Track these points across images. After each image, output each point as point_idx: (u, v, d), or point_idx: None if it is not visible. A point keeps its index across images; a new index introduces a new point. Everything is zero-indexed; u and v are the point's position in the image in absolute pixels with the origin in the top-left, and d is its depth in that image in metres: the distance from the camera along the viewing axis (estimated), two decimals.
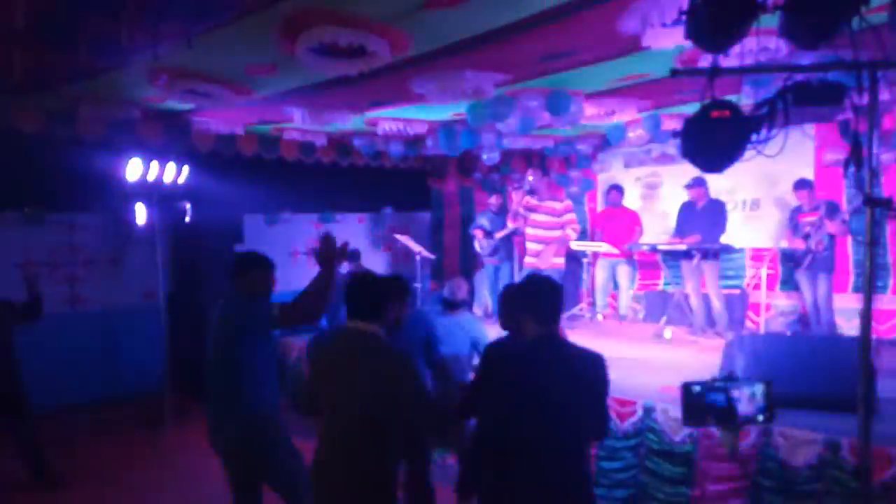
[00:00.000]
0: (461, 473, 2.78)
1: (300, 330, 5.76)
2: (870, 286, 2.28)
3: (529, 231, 6.22)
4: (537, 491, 2.27)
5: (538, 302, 2.45)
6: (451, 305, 4.23)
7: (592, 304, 7.78)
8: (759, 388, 2.30)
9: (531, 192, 6.09)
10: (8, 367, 4.42)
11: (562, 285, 2.88)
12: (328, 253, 2.97)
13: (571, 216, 6.31)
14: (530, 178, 6.11)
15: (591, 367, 2.37)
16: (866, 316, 2.29)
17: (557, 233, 6.23)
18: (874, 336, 2.42)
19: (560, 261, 6.28)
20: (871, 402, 2.36)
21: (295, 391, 6.27)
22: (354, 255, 6.29)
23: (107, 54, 3.63)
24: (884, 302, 6.37)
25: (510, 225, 6.40)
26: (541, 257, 6.23)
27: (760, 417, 2.30)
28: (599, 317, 7.51)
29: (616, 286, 7.63)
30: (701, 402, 2.25)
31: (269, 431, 3.09)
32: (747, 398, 2.28)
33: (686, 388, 2.27)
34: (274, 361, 3.29)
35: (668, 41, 3.17)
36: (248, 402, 3.05)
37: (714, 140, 2.09)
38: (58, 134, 5.05)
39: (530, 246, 6.29)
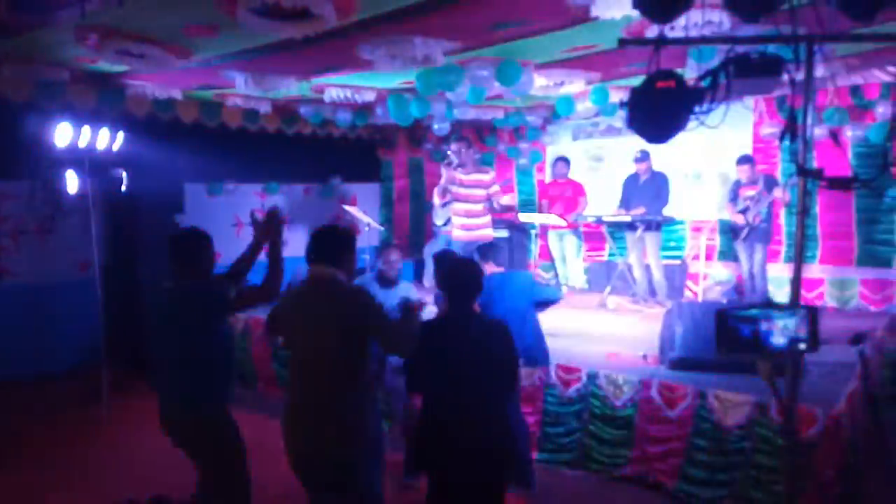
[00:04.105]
0: (408, 453, 2.86)
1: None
2: (800, 254, 2.39)
3: (458, 206, 6.04)
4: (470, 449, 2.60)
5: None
6: (388, 281, 4.24)
7: (556, 275, 7.84)
8: (793, 319, 2.20)
9: (459, 166, 5.92)
10: None
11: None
12: (274, 228, 3.05)
13: (497, 188, 6.15)
14: (452, 152, 5.93)
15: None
16: (796, 284, 2.40)
17: (484, 205, 6.09)
18: (802, 303, 2.54)
19: (489, 231, 6.15)
20: (799, 366, 2.50)
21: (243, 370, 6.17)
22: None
23: (29, 10, 3.39)
24: (812, 271, 6.72)
25: (437, 201, 6.18)
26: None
27: (802, 346, 2.20)
28: (564, 288, 7.59)
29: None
30: (732, 332, 2.18)
31: (223, 430, 3.00)
32: (780, 329, 2.19)
33: (720, 315, 2.19)
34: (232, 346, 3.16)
35: (617, 11, 3.18)
36: (209, 399, 2.94)
37: (659, 110, 2.12)
38: None
39: (459, 220, 6.13)
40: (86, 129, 5.28)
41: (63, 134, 5.16)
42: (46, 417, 5.30)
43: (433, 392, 2.72)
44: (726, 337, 2.21)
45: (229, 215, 7.47)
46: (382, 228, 8.46)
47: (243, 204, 7.73)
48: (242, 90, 5.34)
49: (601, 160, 8.34)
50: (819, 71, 3.90)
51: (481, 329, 2.72)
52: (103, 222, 6.13)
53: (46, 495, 4.02)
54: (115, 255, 6.48)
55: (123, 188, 5.73)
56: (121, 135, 5.54)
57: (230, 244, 6.72)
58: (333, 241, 2.75)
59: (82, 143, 5.29)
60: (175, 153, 6.15)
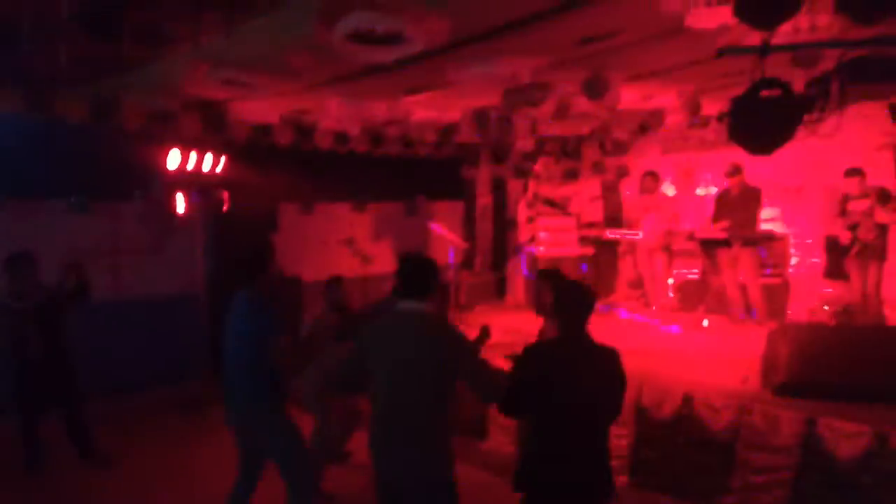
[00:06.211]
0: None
1: None
2: None
3: (544, 221, 5.99)
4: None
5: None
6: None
7: (645, 293, 7.61)
8: None
9: (544, 182, 5.86)
10: (60, 352, 4.57)
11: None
12: None
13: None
14: (536, 168, 5.90)
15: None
16: None
17: (570, 221, 5.99)
18: None
19: (574, 247, 6.03)
20: None
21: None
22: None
23: (149, 45, 3.68)
24: None
25: (523, 217, 6.13)
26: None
27: None
28: (654, 307, 7.36)
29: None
30: None
31: None
32: None
33: None
34: None
35: (712, 21, 3.06)
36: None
37: (763, 121, 2.02)
38: (101, 124, 5.16)
39: (545, 236, 6.04)
40: (193, 154, 5.68)
41: (174, 159, 5.57)
42: (154, 423, 5.68)
43: (542, 417, 2.63)
44: None
45: (320, 233, 7.76)
46: (466, 245, 8.51)
47: (333, 222, 8.03)
48: (335, 113, 5.58)
49: (691, 174, 8.02)
50: None
51: (592, 354, 2.62)
52: (206, 241, 6.52)
53: (154, 495, 4.33)
54: (218, 272, 6.87)
55: (225, 208, 6.09)
56: (223, 158, 5.91)
57: (320, 260, 6.96)
58: (425, 275, 2.70)
59: (189, 167, 5.69)
60: (271, 174, 6.49)
